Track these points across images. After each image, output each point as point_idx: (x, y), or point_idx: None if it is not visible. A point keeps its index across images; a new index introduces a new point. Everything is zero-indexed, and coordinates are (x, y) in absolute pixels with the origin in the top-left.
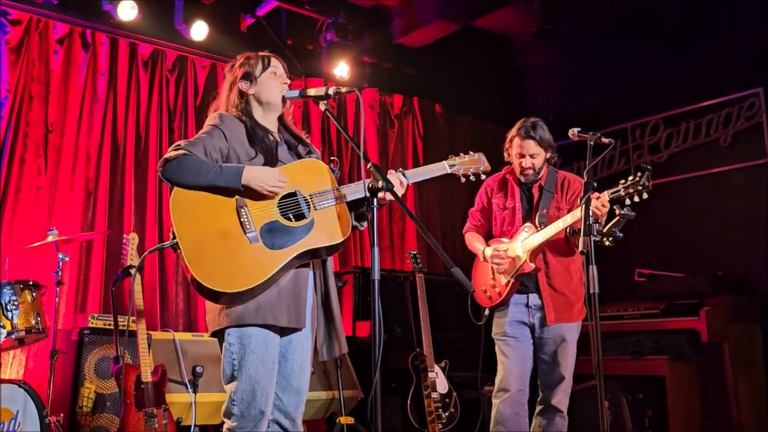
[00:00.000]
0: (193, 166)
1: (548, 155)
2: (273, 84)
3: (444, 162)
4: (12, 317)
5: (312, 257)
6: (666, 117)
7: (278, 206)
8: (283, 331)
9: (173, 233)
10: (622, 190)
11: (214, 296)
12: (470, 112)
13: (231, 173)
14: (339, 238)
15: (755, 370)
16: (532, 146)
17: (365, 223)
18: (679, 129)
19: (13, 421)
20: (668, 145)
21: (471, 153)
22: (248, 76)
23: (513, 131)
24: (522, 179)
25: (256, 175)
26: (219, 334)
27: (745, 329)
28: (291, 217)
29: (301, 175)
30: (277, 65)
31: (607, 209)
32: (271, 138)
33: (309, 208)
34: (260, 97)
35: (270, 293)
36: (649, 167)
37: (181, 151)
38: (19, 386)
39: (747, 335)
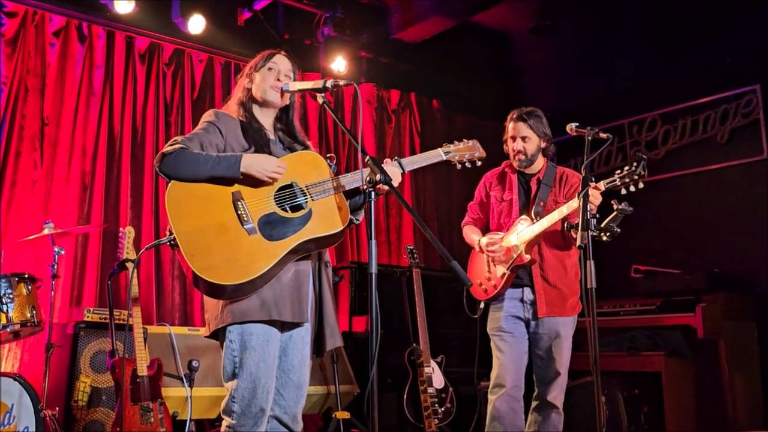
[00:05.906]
0: (190, 158)
1: (543, 144)
2: (266, 80)
3: (439, 149)
4: (7, 310)
5: (310, 249)
6: (663, 114)
7: (275, 198)
8: (283, 327)
9: (170, 229)
10: (618, 179)
11: (215, 291)
12: (468, 108)
13: (229, 162)
14: (337, 228)
15: (750, 367)
16: (522, 129)
17: (360, 216)
18: (676, 126)
19: (8, 415)
20: (665, 142)
21: (465, 140)
22: (250, 73)
23: (508, 118)
24: (515, 164)
25: (255, 161)
26: (220, 332)
27: (741, 326)
28: (288, 208)
29: (298, 166)
30: (277, 61)
31: (600, 200)
32: (265, 134)
33: (306, 199)
34: (255, 94)
35: (272, 288)
36: (644, 157)
37: (178, 146)
38: (15, 380)
39: (742, 332)
